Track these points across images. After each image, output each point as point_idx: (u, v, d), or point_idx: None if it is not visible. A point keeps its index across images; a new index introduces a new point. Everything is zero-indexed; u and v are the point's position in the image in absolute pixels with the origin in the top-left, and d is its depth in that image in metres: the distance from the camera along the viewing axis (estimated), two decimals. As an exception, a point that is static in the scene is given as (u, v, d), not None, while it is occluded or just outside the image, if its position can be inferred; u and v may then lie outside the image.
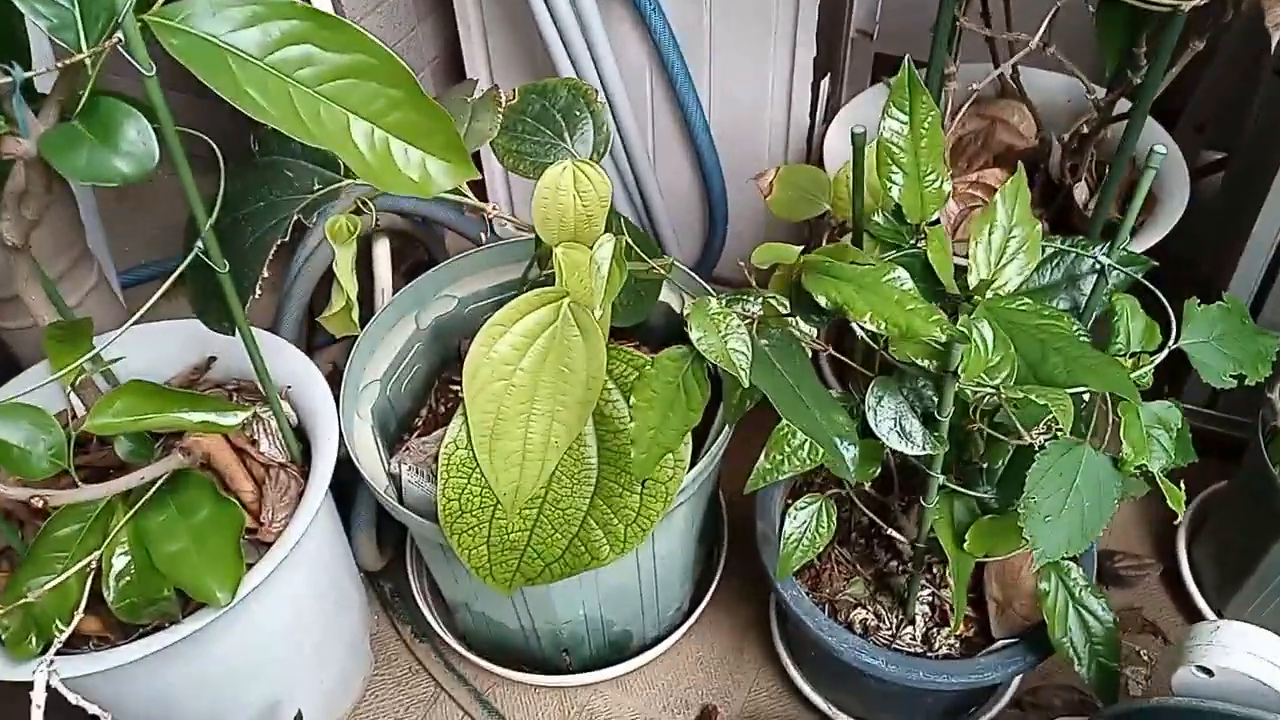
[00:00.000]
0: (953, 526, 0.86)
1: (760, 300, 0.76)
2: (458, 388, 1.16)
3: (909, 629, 0.97)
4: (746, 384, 0.69)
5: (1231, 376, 0.79)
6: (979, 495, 0.84)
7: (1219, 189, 1.40)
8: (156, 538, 0.83)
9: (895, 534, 0.92)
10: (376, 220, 1.28)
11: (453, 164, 0.70)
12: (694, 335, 0.70)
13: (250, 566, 0.86)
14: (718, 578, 1.17)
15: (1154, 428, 0.77)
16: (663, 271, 0.78)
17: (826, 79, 1.28)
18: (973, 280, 0.81)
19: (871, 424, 0.76)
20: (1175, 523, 1.23)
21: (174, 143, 0.70)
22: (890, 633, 0.97)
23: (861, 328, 0.65)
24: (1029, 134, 1.24)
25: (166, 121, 0.68)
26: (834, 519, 0.91)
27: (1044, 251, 0.89)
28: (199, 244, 0.77)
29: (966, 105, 1.17)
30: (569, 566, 0.87)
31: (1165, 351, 0.79)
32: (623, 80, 1.29)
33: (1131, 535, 1.26)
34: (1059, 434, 0.77)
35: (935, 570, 0.99)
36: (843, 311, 0.66)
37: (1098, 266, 0.88)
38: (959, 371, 0.69)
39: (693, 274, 1.03)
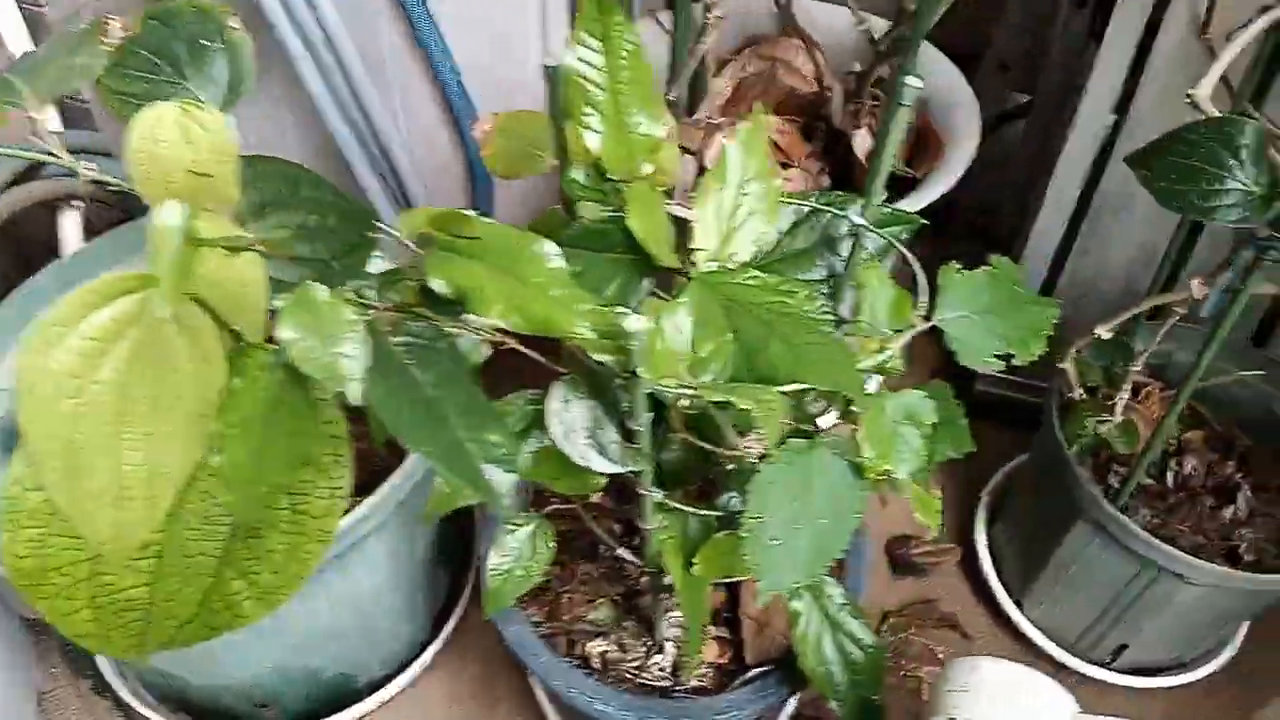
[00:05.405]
0: (684, 547, 0.71)
1: (405, 285, 0.59)
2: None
3: (658, 657, 0.83)
4: (357, 400, 0.51)
5: (996, 356, 0.66)
6: (708, 513, 0.70)
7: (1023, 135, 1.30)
8: None
9: (627, 555, 0.77)
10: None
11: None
12: (285, 335, 0.51)
13: None
14: (464, 603, 1.00)
15: (902, 424, 0.63)
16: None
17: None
18: (698, 250, 0.65)
19: (554, 437, 0.60)
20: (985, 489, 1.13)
21: None
22: (637, 663, 0.83)
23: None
24: (813, 77, 1.09)
25: None
26: (552, 543, 0.74)
27: (801, 211, 0.75)
28: None
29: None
30: (208, 627, 0.68)
31: (913, 331, 0.65)
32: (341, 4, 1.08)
33: (931, 518, 1.15)
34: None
35: (688, 588, 0.85)
36: (468, 303, 0.49)
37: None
38: (637, 372, 0.54)
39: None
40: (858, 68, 1.01)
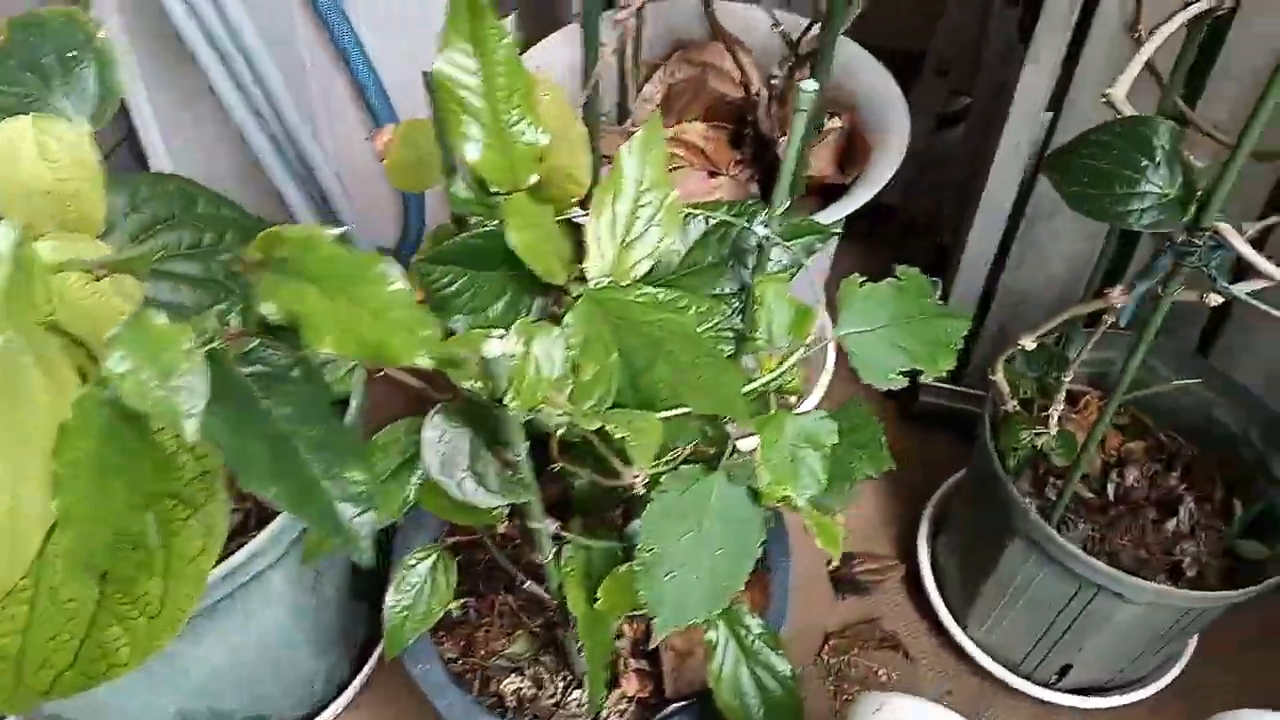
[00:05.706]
0: (588, 580, 0.68)
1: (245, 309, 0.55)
2: None
3: (577, 693, 0.79)
4: (192, 437, 0.47)
5: (901, 374, 0.63)
6: (606, 544, 0.66)
7: (963, 139, 1.27)
8: None
9: (536, 589, 0.73)
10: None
11: None
12: (115, 368, 0.47)
13: None
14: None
15: (801, 447, 0.60)
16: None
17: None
18: (591, 265, 0.62)
19: (429, 469, 0.57)
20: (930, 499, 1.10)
21: None
22: (555, 700, 0.79)
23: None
24: (741, 82, 1.06)
25: None
26: (453, 577, 0.71)
27: (709, 222, 0.72)
28: None
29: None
30: (86, 677, 0.64)
31: (811, 349, 0.62)
32: (254, 16, 1.05)
33: (872, 531, 1.12)
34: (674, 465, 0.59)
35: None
36: (300, 330, 0.45)
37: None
38: (504, 400, 0.50)
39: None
40: (777, 72, 0.98)
